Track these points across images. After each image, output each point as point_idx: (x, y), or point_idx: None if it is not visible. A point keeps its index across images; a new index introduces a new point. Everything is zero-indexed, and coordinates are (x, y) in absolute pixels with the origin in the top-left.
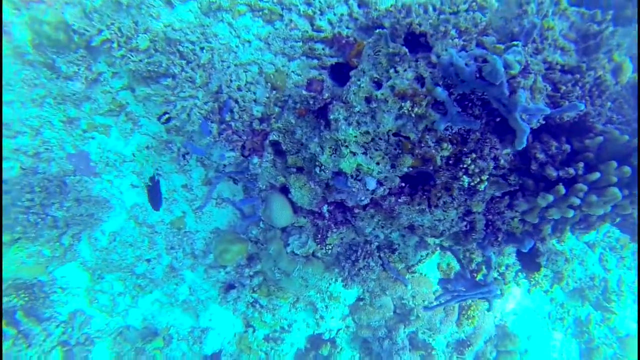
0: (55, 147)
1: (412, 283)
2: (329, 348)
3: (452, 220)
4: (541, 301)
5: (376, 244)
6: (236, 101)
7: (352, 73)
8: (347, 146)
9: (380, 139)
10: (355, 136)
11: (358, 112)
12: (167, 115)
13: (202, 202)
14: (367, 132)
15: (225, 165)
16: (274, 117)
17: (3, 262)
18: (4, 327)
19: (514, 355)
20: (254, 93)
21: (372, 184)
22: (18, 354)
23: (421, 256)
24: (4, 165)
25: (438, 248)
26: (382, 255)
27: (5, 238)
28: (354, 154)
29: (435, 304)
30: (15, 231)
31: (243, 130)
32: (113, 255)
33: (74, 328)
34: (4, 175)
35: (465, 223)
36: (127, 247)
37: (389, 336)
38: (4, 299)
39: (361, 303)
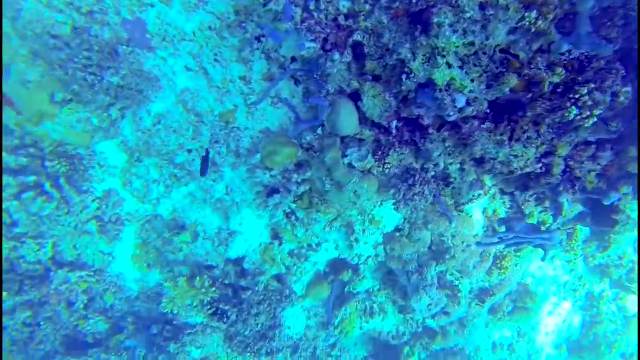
0: (111, 9)
1: (457, 221)
2: (350, 274)
3: (528, 159)
4: (562, 270)
5: (432, 172)
6: None
7: None
8: (444, 55)
9: (484, 53)
10: (457, 46)
11: (468, 18)
12: None
13: (259, 97)
14: (472, 44)
15: (292, 61)
16: (363, 15)
17: (53, 124)
18: (48, 188)
19: (530, 312)
20: None
21: (462, 101)
22: (58, 218)
23: (473, 195)
24: (57, 19)
25: (492, 190)
26: (436, 186)
27: (58, 96)
28: (450, 65)
29: (493, 240)
30: (71, 90)
31: (326, 23)
32: (155, 139)
33: (108, 206)
34: (56, 31)
35: (540, 165)
36: (171, 132)
37: (419, 271)
38: (48, 163)
39: (397, 234)
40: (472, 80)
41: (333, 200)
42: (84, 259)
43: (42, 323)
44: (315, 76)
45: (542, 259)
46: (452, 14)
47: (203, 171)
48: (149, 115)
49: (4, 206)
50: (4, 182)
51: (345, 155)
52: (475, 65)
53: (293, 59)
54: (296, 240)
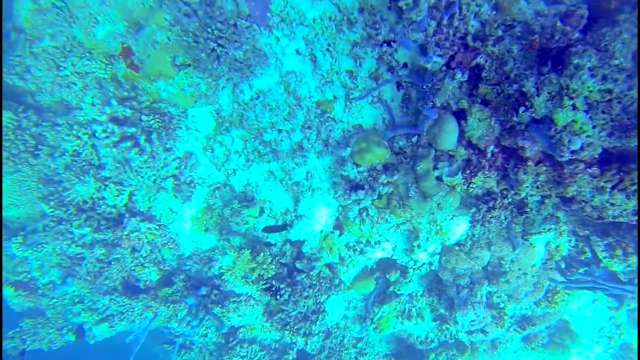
0: None
1: (520, 249)
2: (397, 275)
3: (626, 210)
4: (601, 314)
5: (510, 199)
6: (460, 8)
7: (620, 18)
8: (572, 97)
9: (619, 102)
10: (591, 91)
11: (615, 65)
12: None
13: (361, 94)
14: (609, 91)
15: (402, 67)
16: (492, 39)
17: (166, 84)
18: (141, 137)
19: (565, 350)
20: (479, 6)
21: (578, 144)
22: (140, 170)
23: (543, 229)
24: None
25: (563, 226)
26: (510, 213)
27: (179, 60)
28: (576, 108)
29: (577, 284)
30: (194, 56)
31: (453, 40)
32: (249, 113)
33: (186, 167)
34: None
35: (637, 218)
36: (267, 110)
37: (470, 287)
38: (144, 117)
39: (457, 248)
40: (594, 127)
41: (412, 207)
42: (153, 212)
43: (112, 262)
44: (424, 87)
45: (617, 309)
46: (596, 58)
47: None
48: (250, 89)
49: (96, 150)
50: (107, 129)
51: (436, 168)
52: (604, 112)
53: (404, 65)
54: (358, 235)
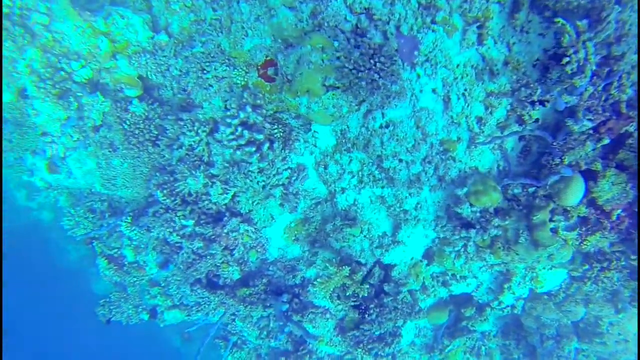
0: (393, 21)
1: (624, 314)
2: (473, 311)
3: None
4: None
5: (623, 263)
6: (620, 77)
7: None
8: None
9: None
10: None
11: None
12: None
13: (485, 139)
14: None
15: (534, 121)
16: None
17: (309, 101)
18: (264, 145)
19: None
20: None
21: None
22: (249, 173)
23: None
24: (347, 16)
25: None
26: (622, 276)
27: (329, 81)
28: None
29: None
30: (340, 81)
31: (605, 106)
32: (376, 139)
33: (297, 179)
34: (342, 26)
35: None
36: (394, 139)
37: (557, 340)
38: (268, 125)
39: (546, 297)
40: None
41: (519, 252)
42: (253, 215)
43: (206, 256)
44: (553, 143)
45: None
46: None
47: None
48: (382, 117)
49: (208, 146)
50: (237, 132)
51: (552, 220)
52: None
53: (536, 120)
54: (450, 268)
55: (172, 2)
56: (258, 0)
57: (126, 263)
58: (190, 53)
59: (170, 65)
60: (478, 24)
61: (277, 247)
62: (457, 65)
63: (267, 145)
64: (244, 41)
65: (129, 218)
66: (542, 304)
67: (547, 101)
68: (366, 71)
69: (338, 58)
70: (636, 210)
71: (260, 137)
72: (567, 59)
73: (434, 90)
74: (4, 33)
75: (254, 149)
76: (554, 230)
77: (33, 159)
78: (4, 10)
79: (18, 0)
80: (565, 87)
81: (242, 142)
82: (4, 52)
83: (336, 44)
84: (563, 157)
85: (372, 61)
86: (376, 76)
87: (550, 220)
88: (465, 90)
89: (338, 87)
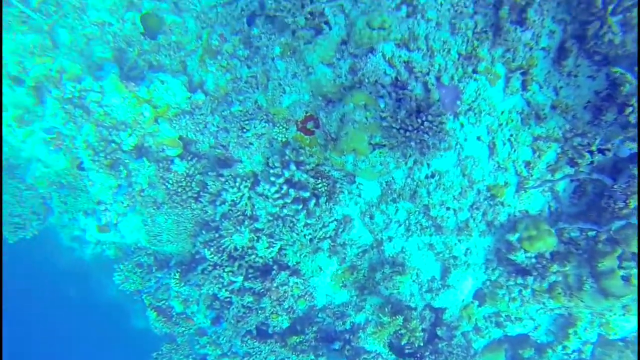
0: (433, 72)
1: None
2: (531, 352)
3: None
4: None
5: None
6: None
7: None
8: None
9: None
10: None
11: None
12: None
13: (535, 183)
14: None
15: (589, 163)
16: None
17: (355, 159)
18: (311, 201)
19: None
20: None
21: None
22: (294, 226)
23: None
24: (386, 70)
25: None
26: None
27: (375, 139)
28: None
29: None
30: (387, 139)
31: None
32: (422, 190)
33: (344, 230)
34: (382, 80)
35: None
36: (440, 188)
37: None
38: (312, 180)
39: (621, 343)
40: None
41: (584, 300)
42: (300, 267)
43: (257, 310)
44: (614, 186)
45: None
46: None
47: None
48: (428, 168)
49: (250, 200)
50: (282, 190)
51: (621, 267)
52: None
53: (590, 162)
54: (504, 310)
55: (208, 63)
56: (294, 58)
57: (174, 314)
58: (229, 112)
59: (208, 122)
60: (522, 70)
61: (325, 293)
62: (502, 112)
63: (313, 201)
64: (282, 98)
65: (177, 274)
66: (616, 350)
67: (608, 150)
68: (414, 131)
69: (384, 118)
70: None
71: (307, 194)
72: (630, 108)
73: (478, 138)
74: (65, 116)
75: (300, 206)
76: (626, 278)
77: (85, 219)
78: (68, 95)
79: (79, 85)
80: (628, 135)
81: (289, 200)
82: (65, 131)
83: (382, 104)
84: (628, 201)
85: (419, 120)
86: (425, 136)
87: (620, 267)
88: (511, 135)
89: (384, 145)
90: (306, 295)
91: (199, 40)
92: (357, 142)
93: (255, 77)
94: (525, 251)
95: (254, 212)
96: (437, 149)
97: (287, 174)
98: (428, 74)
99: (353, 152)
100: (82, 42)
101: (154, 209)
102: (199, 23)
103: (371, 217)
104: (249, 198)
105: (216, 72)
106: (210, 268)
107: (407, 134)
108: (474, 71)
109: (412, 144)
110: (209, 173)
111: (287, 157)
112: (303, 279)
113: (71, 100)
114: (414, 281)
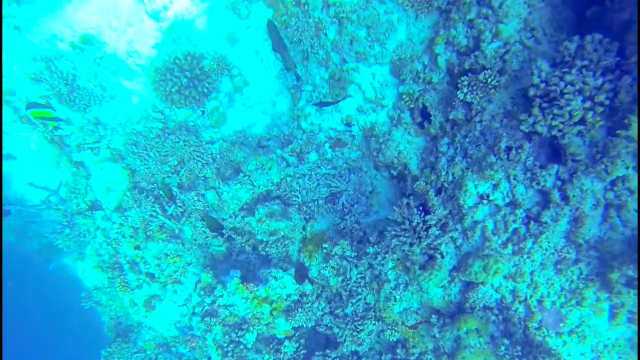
0: (535, 297)
1: None
2: None
3: None
4: None
5: None
6: None
7: None
8: None
9: None
10: None
11: None
12: None
13: None
14: None
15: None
16: None
17: None
18: None
19: None
20: None
21: None
22: None
23: None
24: None
25: None
26: None
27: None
28: None
29: None
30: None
31: None
32: None
33: None
34: None
35: None
36: None
37: None
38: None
39: None
40: None
41: None
42: None
43: None
44: None
45: None
46: None
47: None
48: None
49: None
50: None
51: None
52: None
53: None
54: None
55: (314, 257)
56: (406, 275)
57: None
58: (342, 312)
59: (315, 307)
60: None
61: None
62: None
63: None
64: (394, 305)
65: None
66: None
67: None
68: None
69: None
70: None
71: None
72: None
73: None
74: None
75: None
76: None
77: None
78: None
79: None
80: None
81: None
82: (197, 332)
83: (502, 349)
84: None
85: (531, 356)
86: None
87: None
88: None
89: None
90: None
91: (303, 231)
92: None
93: (364, 278)
94: None
95: None
96: None
97: None
98: (531, 297)
99: None
100: (201, 238)
101: None
102: (302, 214)
103: None
104: None
105: (328, 271)
106: None
107: None
108: (578, 303)
109: None
110: (316, 353)
111: (398, 356)
112: None
113: (204, 310)
114: None
